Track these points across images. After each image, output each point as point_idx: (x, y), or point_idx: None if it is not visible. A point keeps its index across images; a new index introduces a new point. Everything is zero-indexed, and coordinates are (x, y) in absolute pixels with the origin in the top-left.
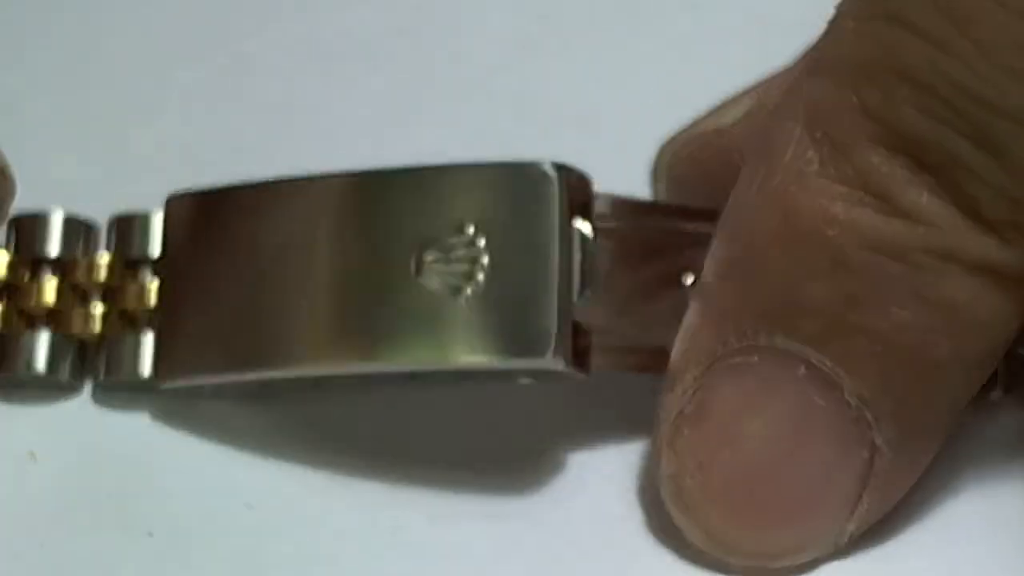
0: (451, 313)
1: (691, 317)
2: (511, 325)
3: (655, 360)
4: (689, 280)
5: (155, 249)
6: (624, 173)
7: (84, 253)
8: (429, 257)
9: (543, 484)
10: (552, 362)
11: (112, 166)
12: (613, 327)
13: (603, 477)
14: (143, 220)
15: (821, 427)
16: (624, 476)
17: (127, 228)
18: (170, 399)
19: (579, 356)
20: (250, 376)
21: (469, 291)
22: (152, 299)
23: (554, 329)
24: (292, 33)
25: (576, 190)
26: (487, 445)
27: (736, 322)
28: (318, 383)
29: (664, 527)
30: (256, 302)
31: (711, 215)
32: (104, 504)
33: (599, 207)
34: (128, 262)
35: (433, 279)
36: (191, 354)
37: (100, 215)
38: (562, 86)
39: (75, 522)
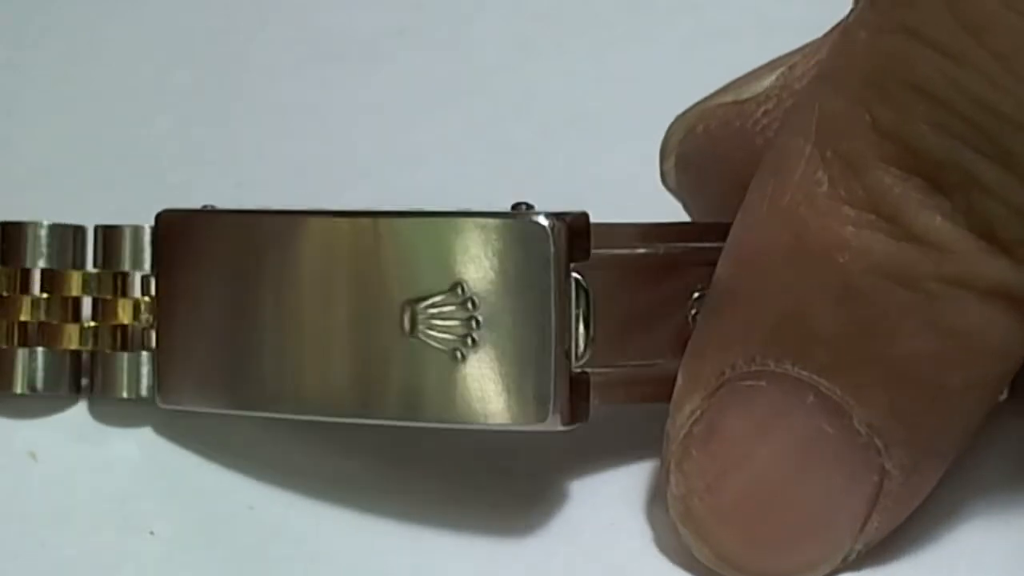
0: (447, 374)
1: (698, 338)
2: (508, 388)
3: (658, 389)
4: (694, 296)
5: (145, 263)
6: (624, 174)
7: (74, 264)
8: (423, 315)
9: (546, 488)
10: (550, 424)
11: (112, 166)
12: (613, 361)
13: (608, 491)
14: (133, 232)
15: (830, 453)
16: (630, 492)
17: (115, 240)
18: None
19: (577, 411)
20: (249, 414)
21: (464, 352)
22: (144, 315)
23: (552, 392)
24: (292, 33)
25: (573, 234)
26: (490, 448)
27: (745, 345)
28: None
29: (670, 543)
30: (253, 336)
31: (712, 231)
32: (104, 504)
33: (598, 239)
34: (117, 275)
35: (428, 338)
36: (191, 382)
37: (99, 216)
38: (562, 86)
39: (75, 522)
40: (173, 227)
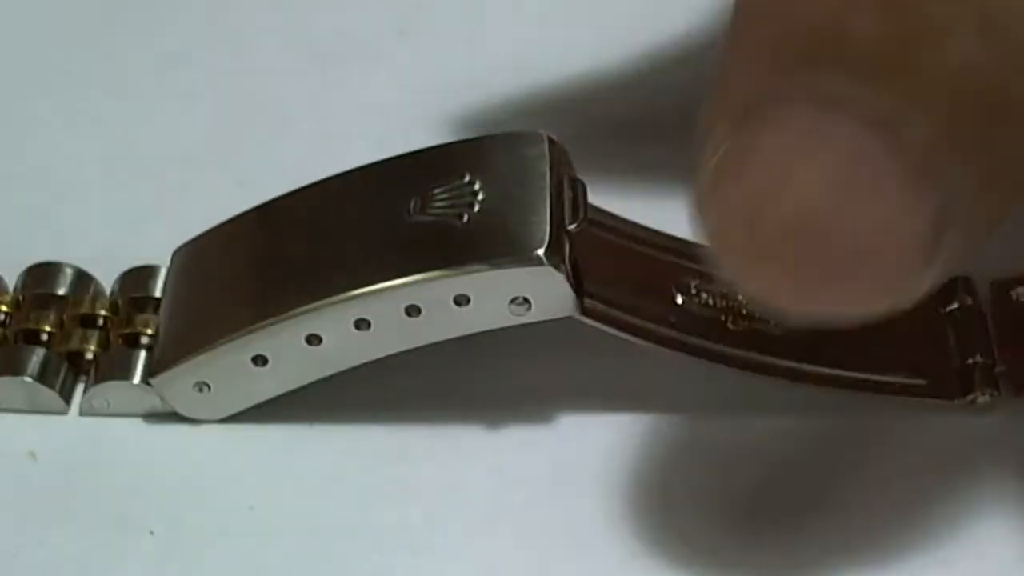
0: (451, 232)
1: (722, 63)
2: (508, 237)
3: (647, 325)
4: (682, 299)
5: (157, 290)
6: (624, 173)
7: (88, 294)
8: (430, 198)
9: (544, 488)
10: (548, 270)
11: (112, 166)
12: (608, 298)
13: (607, 490)
14: (151, 271)
15: (878, 173)
16: (629, 491)
17: (134, 276)
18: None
19: (574, 274)
20: (245, 341)
21: (468, 215)
22: (149, 328)
23: (548, 238)
24: (292, 33)
25: (566, 164)
26: (489, 447)
27: (774, 64)
28: (313, 342)
29: (669, 543)
30: (254, 281)
31: (691, 249)
32: (104, 504)
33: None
34: (132, 300)
35: (434, 212)
36: (184, 341)
37: (98, 215)
38: (562, 85)
39: (75, 522)
40: (182, 256)
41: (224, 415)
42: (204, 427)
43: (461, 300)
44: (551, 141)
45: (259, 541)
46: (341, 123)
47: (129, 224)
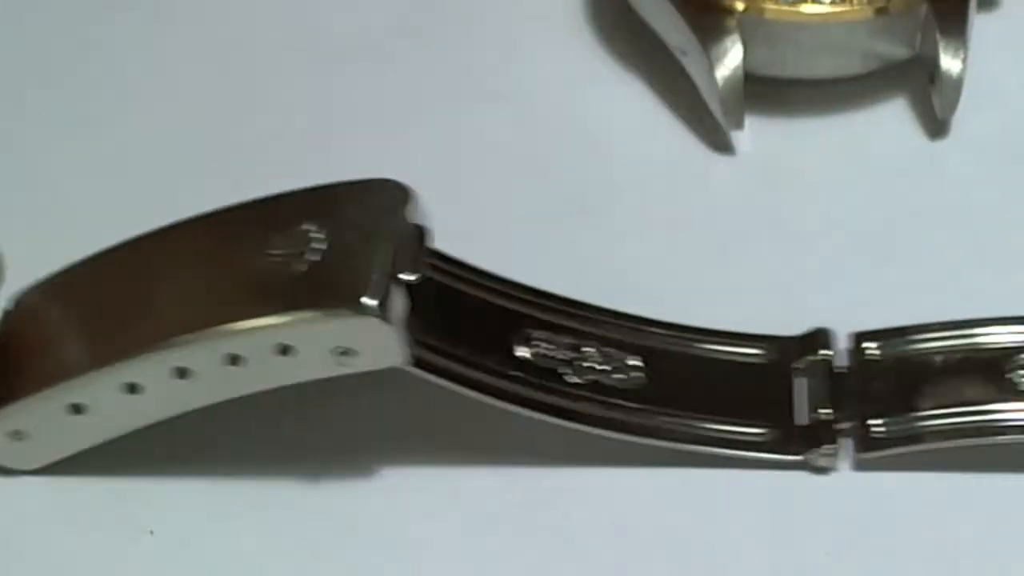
0: (283, 281)
1: None
2: (335, 286)
3: (482, 378)
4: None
5: None
6: (622, 172)
7: None
8: (269, 242)
9: (544, 489)
10: (370, 319)
11: (112, 166)
12: (442, 343)
13: (607, 492)
14: None
15: None
16: (629, 491)
17: None
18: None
19: (410, 323)
20: (60, 390)
21: (304, 265)
22: None
23: (372, 286)
24: (293, 33)
25: (412, 211)
26: (489, 448)
27: None
28: (132, 391)
29: (669, 543)
30: (79, 329)
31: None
32: (104, 504)
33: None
34: None
35: (272, 258)
36: (1, 389)
37: (97, 215)
38: (562, 86)
39: (75, 522)
40: (16, 303)
41: (40, 464)
42: (204, 428)
43: (283, 349)
44: (400, 188)
45: (259, 541)
46: (341, 123)
47: (127, 223)
